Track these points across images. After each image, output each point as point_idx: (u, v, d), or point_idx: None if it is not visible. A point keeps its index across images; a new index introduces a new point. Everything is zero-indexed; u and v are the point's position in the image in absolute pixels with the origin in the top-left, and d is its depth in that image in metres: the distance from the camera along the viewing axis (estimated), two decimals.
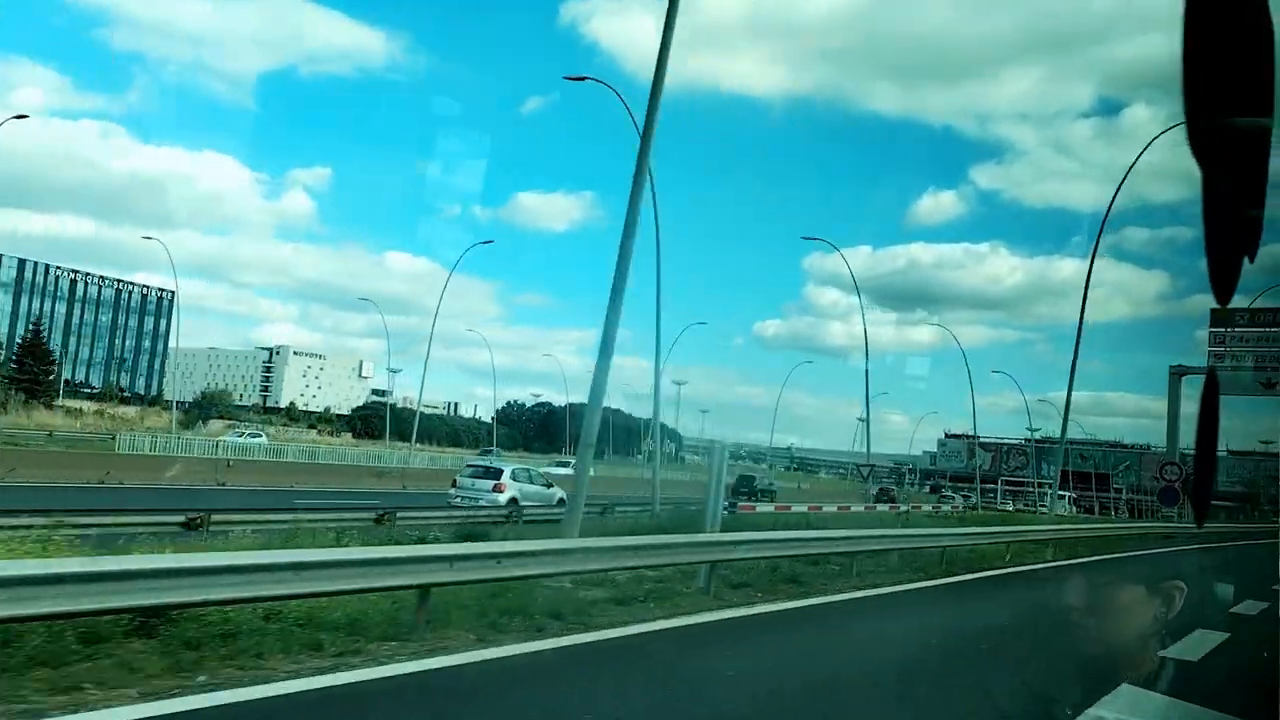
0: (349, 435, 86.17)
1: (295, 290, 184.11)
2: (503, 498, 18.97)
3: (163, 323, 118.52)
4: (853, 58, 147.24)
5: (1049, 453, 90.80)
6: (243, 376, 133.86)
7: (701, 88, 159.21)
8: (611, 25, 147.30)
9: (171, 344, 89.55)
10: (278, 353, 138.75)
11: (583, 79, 26.04)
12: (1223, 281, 0.97)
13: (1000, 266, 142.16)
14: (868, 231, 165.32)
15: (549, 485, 21.22)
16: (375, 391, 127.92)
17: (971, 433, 77.04)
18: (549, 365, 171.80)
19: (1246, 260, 0.96)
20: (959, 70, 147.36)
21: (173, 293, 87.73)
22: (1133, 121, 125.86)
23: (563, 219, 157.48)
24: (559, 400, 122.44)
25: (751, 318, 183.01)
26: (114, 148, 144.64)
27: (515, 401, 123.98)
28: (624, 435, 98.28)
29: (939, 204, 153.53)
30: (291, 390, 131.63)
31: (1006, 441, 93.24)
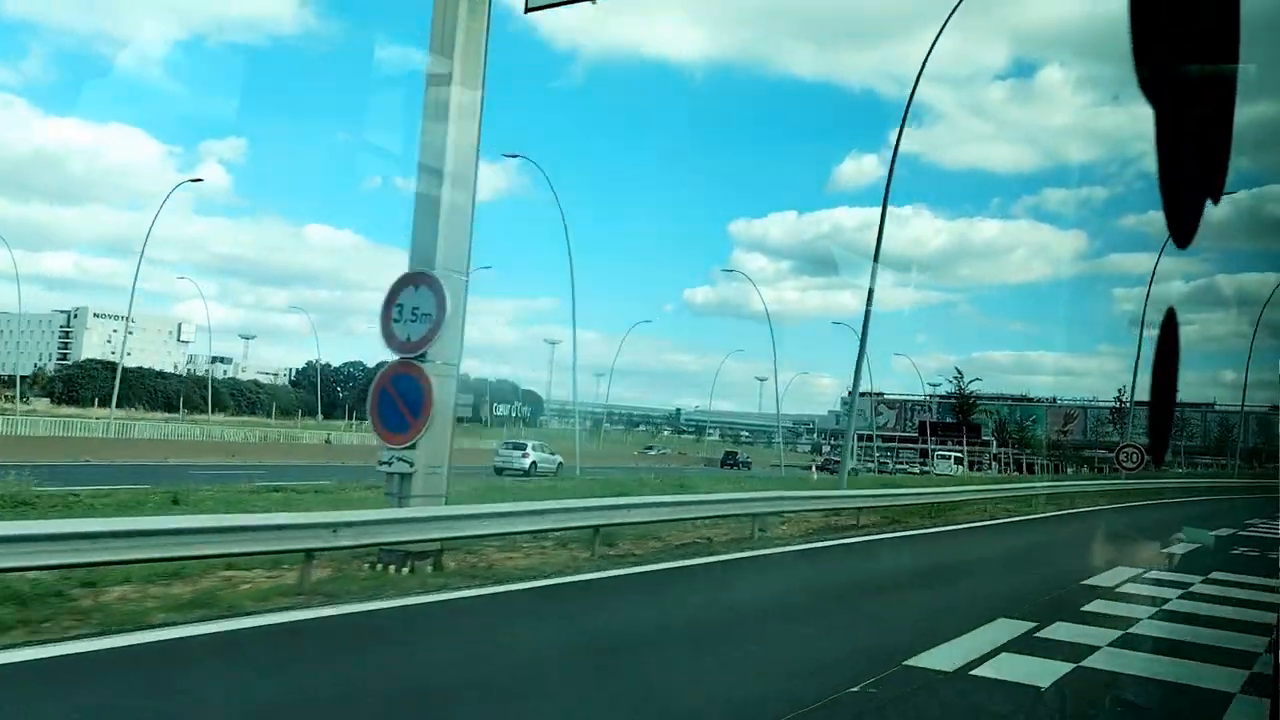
0: (47, 401, 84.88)
1: (214, 266, 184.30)
2: (527, 462, 35.05)
3: None
4: (770, 20, 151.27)
5: (949, 409, 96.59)
6: (40, 343, 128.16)
7: (623, 53, 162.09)
8: None
9: None
10: (76, 315, 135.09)
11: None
12: (1183, 225, 1.09)
13: (923, 229, 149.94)
14: (792, 196, 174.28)
15: (553, 454, 37.85)
16: (219, 359, 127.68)
17: (877, 391, 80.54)
18: (481, 336, 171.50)
19: (1210, 203, 1.08)
20: (875, 32, 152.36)
21: None
22: (1046, 83, 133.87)
23: (487, 188, 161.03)
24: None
25: (682, 284, 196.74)
26: (12, 119, 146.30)
27: (319, 363, 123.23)
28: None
29: (861, 168, 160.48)
30: (95, 355, 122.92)
31: (910, 398, 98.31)
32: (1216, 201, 1.07)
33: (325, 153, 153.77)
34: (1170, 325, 1.21)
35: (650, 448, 79.97)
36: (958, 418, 78.16)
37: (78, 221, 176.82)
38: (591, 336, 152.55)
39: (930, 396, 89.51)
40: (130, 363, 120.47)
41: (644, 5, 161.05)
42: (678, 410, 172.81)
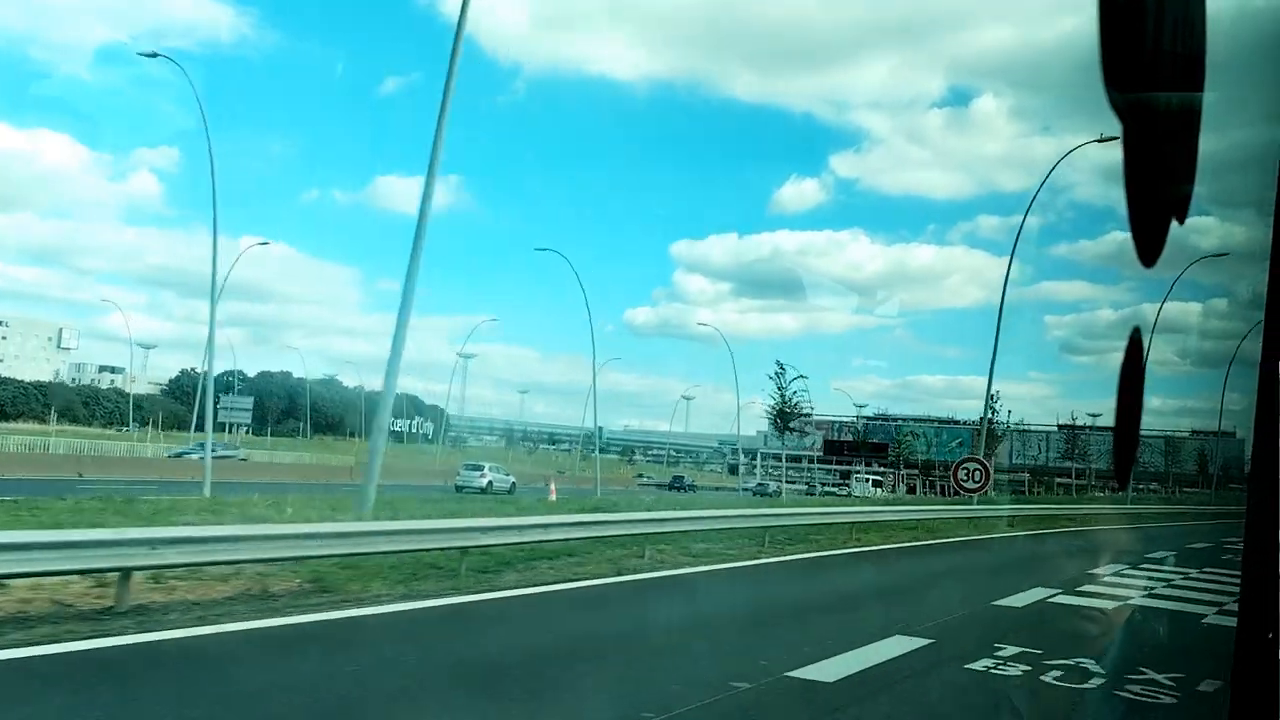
0: None
1: (144, 276, 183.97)
2: (484, 481, 40.76)
3: None
4: (712, 43, 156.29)
5: (879, 430, 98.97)
6: None
7: (567, 70, 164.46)
8: (469, 4, 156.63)
9: None
10: None
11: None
12: (1150, 244, 1.18)
13: (861, 254, 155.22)
14: (734, 218, 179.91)
15: (508, 474, 44.47)
16: (106, 368, 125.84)
17: (805, 411, 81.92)
18: (418, 355, 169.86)
19: (1176, 222, 1.17)
20: (815, 58, 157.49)
21: None
22: (981, 112, 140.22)
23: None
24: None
25: (622, 304, 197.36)
26: None
27: (191, 371, 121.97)
28: (348, 414, 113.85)
29: (801, 191, 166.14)
30: None
31: (839, 420, 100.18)
32: (1182, 222, 1.17)
33: (260, 164, 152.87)
34: (1135, 348, 1.30)
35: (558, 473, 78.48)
36: (859, 440, 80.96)
37: (3, 229, 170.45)
38: (528, 354, 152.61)
39: (858, 418, 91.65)
40: (7, 369, 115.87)
41: (588, 24, 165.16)
42: (599, 429, 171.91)
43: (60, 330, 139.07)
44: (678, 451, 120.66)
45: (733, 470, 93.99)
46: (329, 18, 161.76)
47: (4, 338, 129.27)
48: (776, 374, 52.28)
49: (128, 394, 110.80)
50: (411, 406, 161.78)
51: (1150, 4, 1.10)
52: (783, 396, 52.28)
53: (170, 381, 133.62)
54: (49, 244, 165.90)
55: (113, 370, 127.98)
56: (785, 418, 52.45)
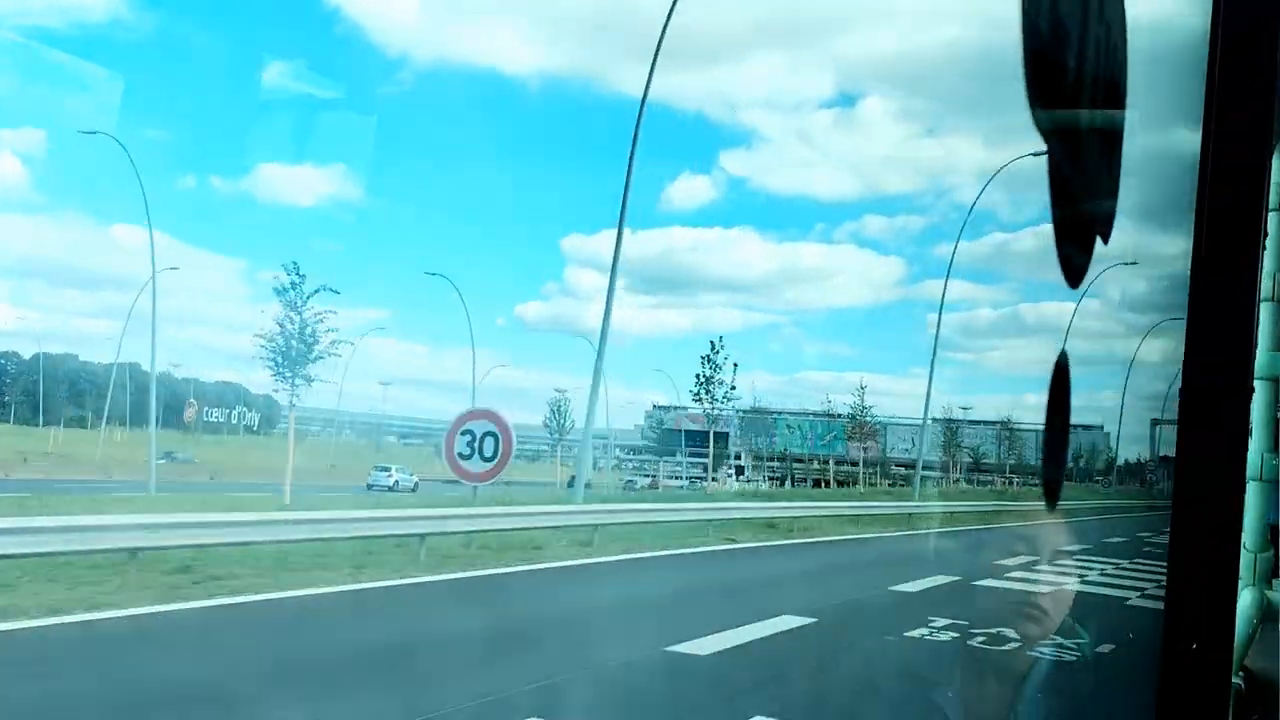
0: None
1: (8, 267, 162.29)
2: (391, 481, 44.39)
3: None
4: (602, 38, 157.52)
5: (756, 424, 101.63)
6: None
7: (456, 62, 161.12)
8: None
9: None
10: None
11: None
12: (1074, 264, 1.24)
13: (751, 252, 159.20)
14: (626, 214, 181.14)
15: (412, 474, 47.26)
16: None
17: (680, 405, 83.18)
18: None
19: (1100, 242, 1.23)
20: (706, 55, 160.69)
21: None
22: (868, 114, 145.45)
23: (310, 193, 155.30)
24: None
25: (513, 299, 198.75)
26: None
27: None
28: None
29: (693, 188, 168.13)
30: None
31: (716, 411, 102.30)
32: (1106, 241, 1.23)
33: (135, 148, 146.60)
34: (1063, 356, 1.36)
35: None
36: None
37: None
38: (419, 349, 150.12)
39: (736, 411, 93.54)
40: None
41: (479, 16, 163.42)
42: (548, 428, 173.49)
43: None
44: (551, 447, 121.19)
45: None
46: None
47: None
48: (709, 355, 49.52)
49: None
50: (234, 395, 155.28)
51: (1073, 26, 1.14)
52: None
53: None
54: None
55: None
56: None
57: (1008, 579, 16.08)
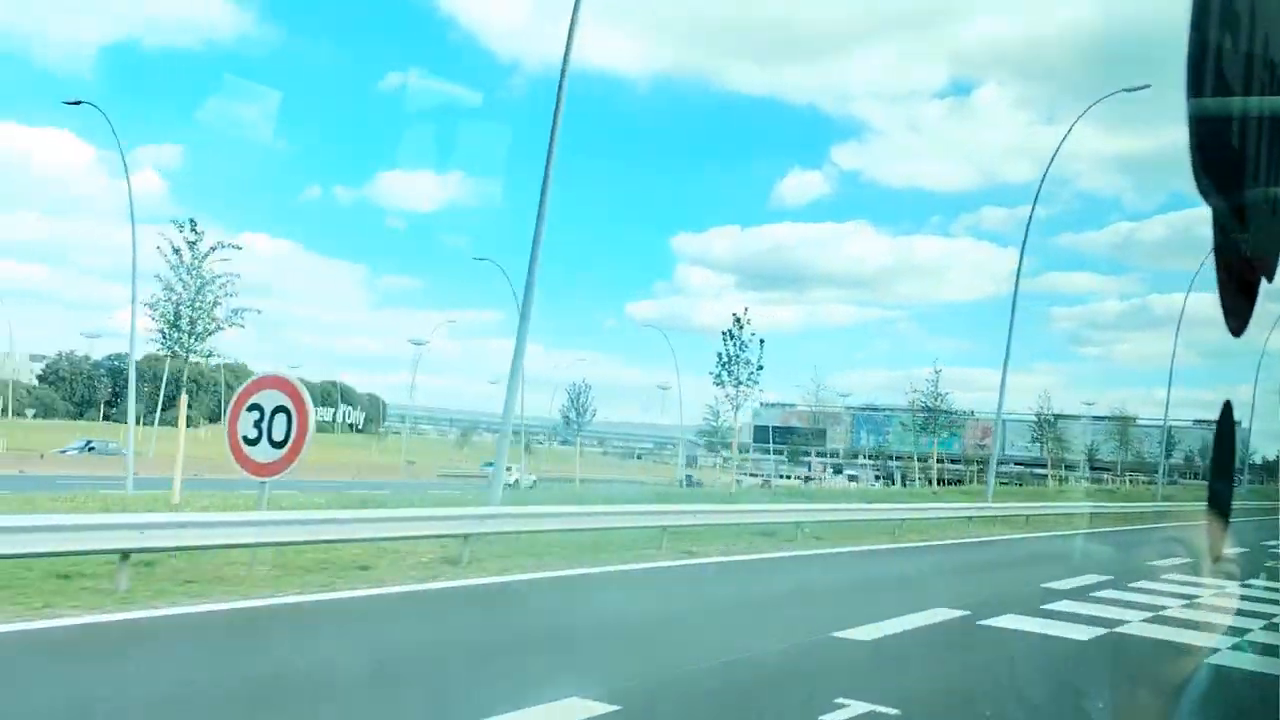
0: None
1: (146, 275, 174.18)
2: (511, 478, 41.97)
3: None
4: (713, 35, 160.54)
5: (868, 421, 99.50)
6: None
7: (570, 63, 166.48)
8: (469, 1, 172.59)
9: None
10: None
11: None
12: (1239, 309, 1.26)
13: (864, 246, 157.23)
14: (736, 211, 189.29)
15: (530, 474, 55.00)
16: (36, 357, 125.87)
17: (789, 402, 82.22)
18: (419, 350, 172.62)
19: (1265, 280, 1.26)
20: (816, 49, 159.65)
21: None
22: (984, 102, 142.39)
23: (428, 199, 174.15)
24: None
25: (624, 298, 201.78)
26: None
27: (72, 354, 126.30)
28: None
29: (804, 183, 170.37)
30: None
31: (825, 410, 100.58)
32: (1271, 279, 1.27)
33: (262, 160, 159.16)
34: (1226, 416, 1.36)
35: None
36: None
37: (7, 227, 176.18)
38: (533, 350, 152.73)
39: (846, 409, 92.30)
40: None
41: (589, 18, 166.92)
42: (565, 419, 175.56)
43: None
44: (656, 444, 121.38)
45: (690, 462, 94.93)
46: (329, 13, 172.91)
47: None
48: (732, 331, 41.51)
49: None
50: (338, 394, 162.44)
51: (1243, 9, 1.13)
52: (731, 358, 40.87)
53: (45, 365, 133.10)
54: (51, 241, 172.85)
55: (43, 359, 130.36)
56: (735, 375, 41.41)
57: (1164, 580, 15.94)
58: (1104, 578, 15.59)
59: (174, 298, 23.24)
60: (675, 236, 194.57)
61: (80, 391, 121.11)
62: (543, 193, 17.40)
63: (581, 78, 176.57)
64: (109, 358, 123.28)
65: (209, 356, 24.92)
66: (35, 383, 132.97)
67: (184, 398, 19.74)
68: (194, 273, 22.29)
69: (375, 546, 12.92)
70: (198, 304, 23.34)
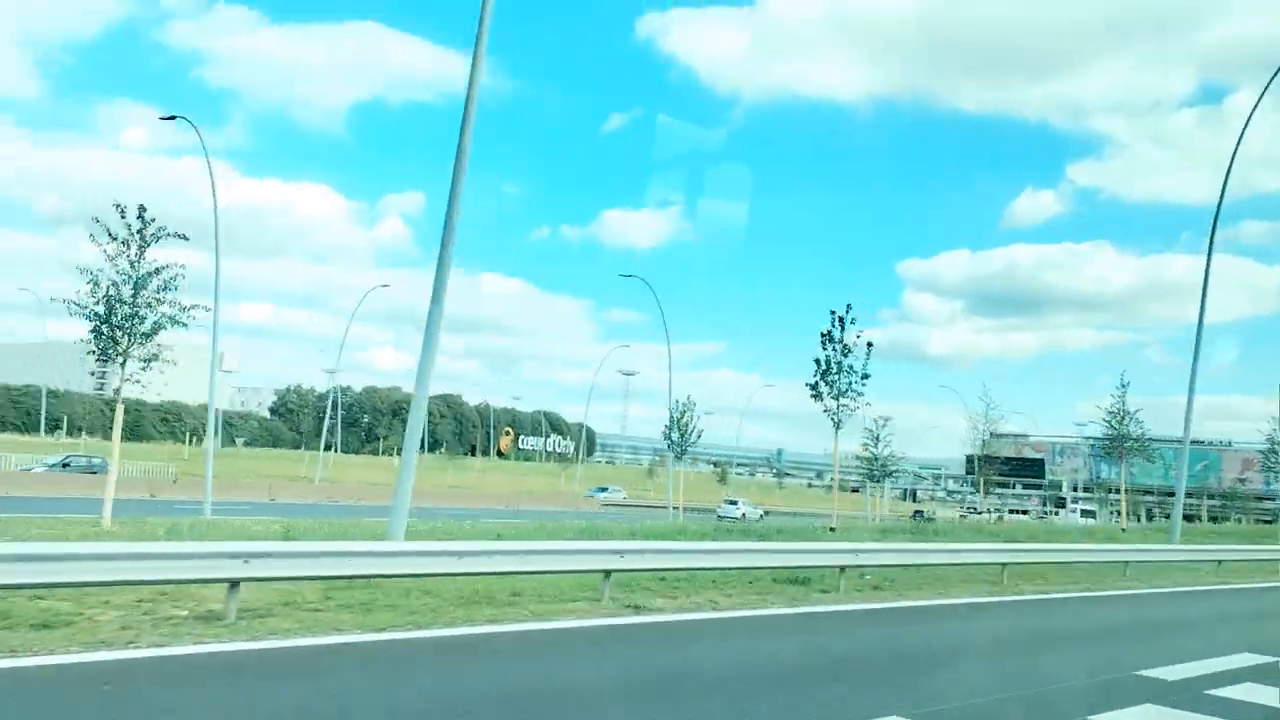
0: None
1: (392, 315, 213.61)
2: (739, 513, 55.74)
3: None
4: (934, 56, 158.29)
5: (1100, 451, 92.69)
6: (68, 367, 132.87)
7: (782, 95, 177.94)
8: (687, 38, 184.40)
9: None
10: None
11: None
12: None
13: (1106, 266, 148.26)
14: (965, 234, 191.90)
15: (758, 506, 61.94)
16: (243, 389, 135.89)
17: (1021, 432, 78.28)
18: (640, 382, 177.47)
19: None
20: (1045, 63, 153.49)
21: None
22: (1238, 109, 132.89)
23: (651, 234, 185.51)
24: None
25: (855, 326, 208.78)
26: (216, 181, 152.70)
27: (299, 387, 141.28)
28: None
29: (1037, 203, 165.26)
30: (129, 384, 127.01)
31: (1061, 439, 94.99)
32: None
33: (496, 204, 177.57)
34: None
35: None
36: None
37: (272, 274, 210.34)
38: (753, 381, 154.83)
39: (1084, 439, 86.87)
40: (168, 394, 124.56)
41: (808, 47, 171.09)
42: (778, 452, 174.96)
43: (222, 355, 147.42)
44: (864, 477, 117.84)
45: (909, 495, 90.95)
46: (555, 61, 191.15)
47: (174, 362, 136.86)
48: (831, 332, 32.40)
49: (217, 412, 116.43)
50: (545, 424, 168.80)
51: None
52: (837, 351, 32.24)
53: (276, 399, 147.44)
54: (309, 286, 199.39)
55: (299, 392, 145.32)
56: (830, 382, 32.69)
57: None
58: None
59: (103, 294, 19.71)
60: (901, 263, 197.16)
61: (305, 422, 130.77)
62: (453, 189, 15.68)
63: (799, 108, 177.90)
64: (333, 388, 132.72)
65: (150, 363, 21.21)
66: (266, 415, 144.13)
67: (120, 409, 21.67)
68: (136, 264, 19.43)
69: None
70: (139, 299, 19.87)
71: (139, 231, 19.49)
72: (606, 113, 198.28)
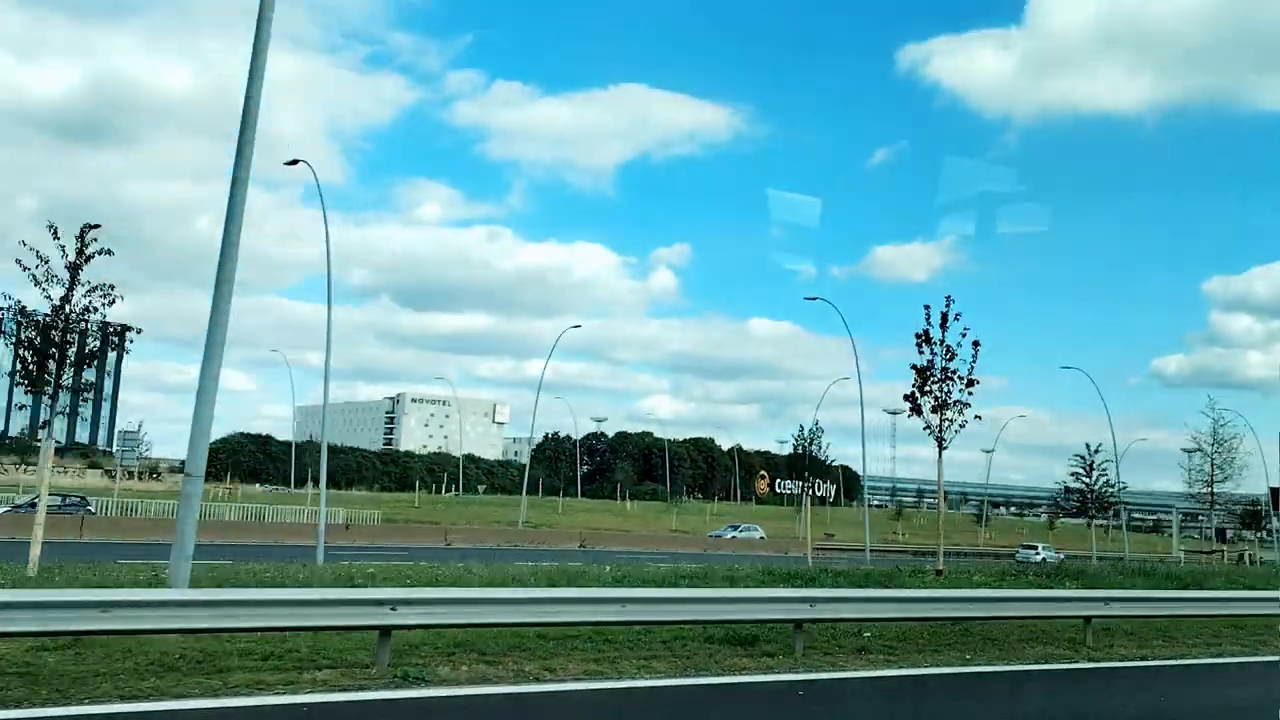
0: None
1: (666, 363, 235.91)
2: (1038, 558, 52.04)
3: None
4: (1223, 54, 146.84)
5: None
6: (368, 426, 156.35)
7: (1057, 112, 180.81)
8: (951, 64, 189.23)
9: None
10: (398, 400, 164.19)
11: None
12: None
13: None
14: None
15: (1057, 551, 59.28)
16: (551, 436, 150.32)
17: None
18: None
19: None
20: None
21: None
22: None
23: (923, 268, 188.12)
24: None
25: (1148, 353, 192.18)
26: (500, 248, 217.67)
27: (555, 434, 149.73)
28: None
29: None
30: (413, 439, 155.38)
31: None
32: None
33: (759, 248, 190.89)
34: None
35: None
36: None
37: (554, 330, 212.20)
38: (1043, 417, 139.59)
39: None
40: (447, 447, 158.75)
41: (1078, 61, 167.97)
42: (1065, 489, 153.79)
43: (495, 406, 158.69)
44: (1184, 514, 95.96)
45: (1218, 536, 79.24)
46: (815, 104, 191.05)
47: (448, 416, 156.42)
48: (928, 331, 27.37)
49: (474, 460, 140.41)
50: (804, 465, 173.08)
51: None
52: None
53: (534, 449, 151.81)
54: (589, 340, 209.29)
55: (556, 440, 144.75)
56: None
57: None
58: None
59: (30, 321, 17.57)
60: (1207, 281, 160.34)
61: (563, 469, 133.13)
62: None
63: (1077, 125, 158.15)
64: (588, 435, 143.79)
65: (86, 399, 19.15)
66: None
67: (49, 446, 18.82)
68: (73, 289, 16.79)
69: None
70: (68, 326, 17.13)
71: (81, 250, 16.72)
72: (872, 148, 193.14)
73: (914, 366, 27.26)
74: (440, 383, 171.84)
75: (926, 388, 27.08)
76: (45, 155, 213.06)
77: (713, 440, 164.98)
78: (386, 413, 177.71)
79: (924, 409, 27.06)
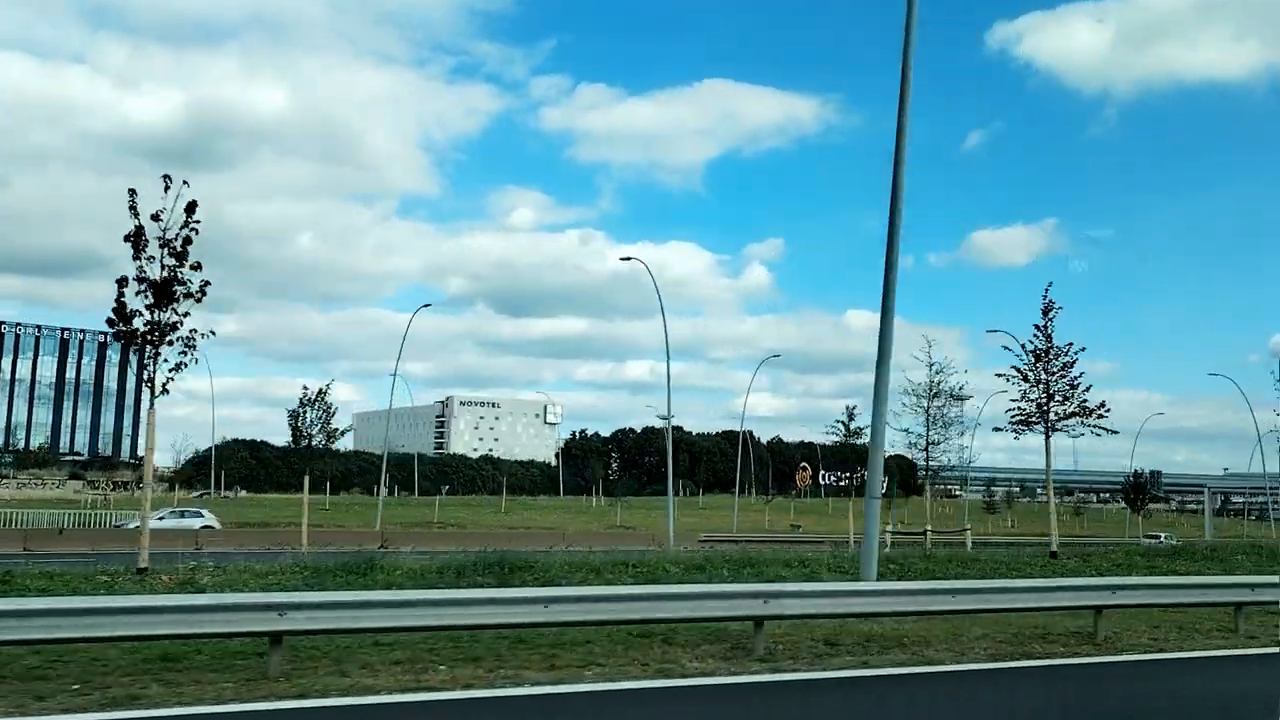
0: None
1: (762, 359, 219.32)
2: (1164, 545, 44.16)
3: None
4: None
5: None
6: (419, 431, 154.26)
7: (1159, 84, 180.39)
8: (1044, 41, 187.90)
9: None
10: (447, 403, 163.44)
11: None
12: None
13: None
14: None
15: (1178, 540, 51.89)
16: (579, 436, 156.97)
17: None
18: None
19: None
20: None
21: None
22: None
23: (1023, 251, 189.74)
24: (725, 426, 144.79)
25: (1270, 327, 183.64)
26: (593, 251, 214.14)
27: (587, 434, 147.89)
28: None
29: None
30: (462, 441, 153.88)
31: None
32: None
33: (854, 238, 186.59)
34: None
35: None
36: None
37: (649, 332, 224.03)
38: (1155, 399, 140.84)
39: None
40: (498, 449, 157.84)
41: (1178, 30, 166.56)
42: (1150, 473, 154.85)
43: (545, 407, 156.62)
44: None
45: None
46: (909, 90, 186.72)
47: (497, 418, 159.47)
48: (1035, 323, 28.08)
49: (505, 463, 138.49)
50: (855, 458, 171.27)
51: None
52: None
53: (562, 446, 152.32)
54: (684, 339, 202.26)
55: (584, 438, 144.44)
56: None
57: None
58: None
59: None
60: None
61: (588, 469, 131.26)
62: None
63: (1181, 95, 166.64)
64: (617, 431, 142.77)
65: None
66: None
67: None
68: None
69: None
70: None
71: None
72: (964, 131, 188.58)
73: (1014, 364, 27.54)
74: (537, 389, 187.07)
75: (1034, 383, 27.43)
76: (150, 183, 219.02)
77: (751, 433, 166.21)
78: (436, 416, 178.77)
79: (1027, 407, 27.47)
